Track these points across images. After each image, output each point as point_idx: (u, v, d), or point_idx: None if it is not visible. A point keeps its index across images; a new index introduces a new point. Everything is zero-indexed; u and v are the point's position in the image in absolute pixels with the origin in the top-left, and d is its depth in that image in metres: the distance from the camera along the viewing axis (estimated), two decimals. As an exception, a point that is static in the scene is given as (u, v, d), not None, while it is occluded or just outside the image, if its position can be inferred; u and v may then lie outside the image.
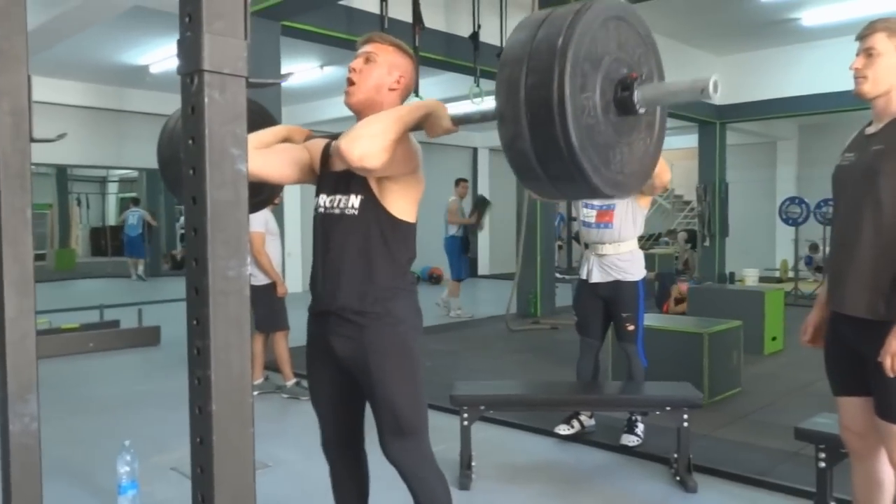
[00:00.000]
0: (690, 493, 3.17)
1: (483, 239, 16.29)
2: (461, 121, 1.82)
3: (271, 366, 5.25)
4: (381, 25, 6.12)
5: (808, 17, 9.11)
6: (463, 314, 8.72)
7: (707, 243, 11.57)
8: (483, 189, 16.48)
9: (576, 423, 3.92)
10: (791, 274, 12.26)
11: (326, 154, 2.08)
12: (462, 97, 7.77)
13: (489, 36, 7.33)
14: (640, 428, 3.80)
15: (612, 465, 3.60)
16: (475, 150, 16.39)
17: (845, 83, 8.96)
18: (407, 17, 6.44)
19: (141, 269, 14.63)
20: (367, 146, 1.70)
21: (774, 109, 10.98)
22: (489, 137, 15.91)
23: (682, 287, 10.57)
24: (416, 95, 6.52)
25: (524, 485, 3.35)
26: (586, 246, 3.90)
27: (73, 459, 3.73)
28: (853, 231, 2.08)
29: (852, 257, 2.08)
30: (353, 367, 1.99)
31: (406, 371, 1.95)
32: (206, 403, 1.13)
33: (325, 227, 1.99)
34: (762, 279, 11.96)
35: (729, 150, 12.12)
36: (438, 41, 7.03)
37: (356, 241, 1.93)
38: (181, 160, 1.14)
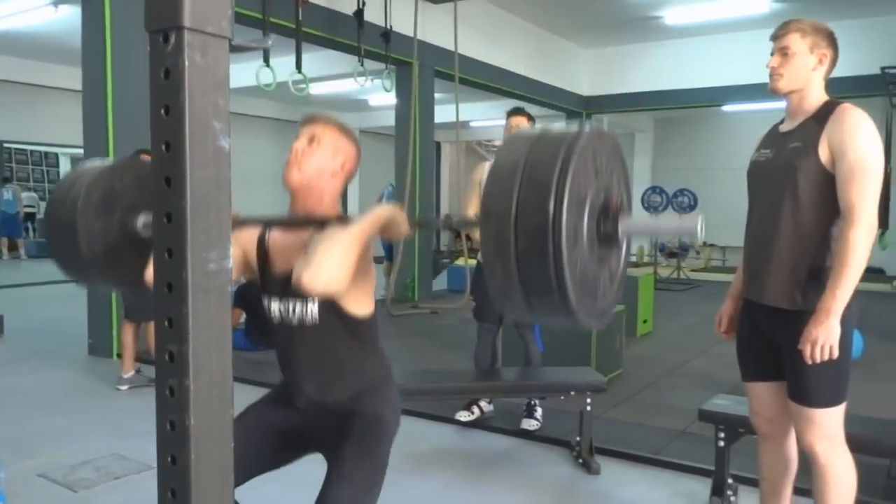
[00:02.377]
0: (594, 474, 3.25)
1: (352, 222, 16.05)
2: (420, 225, 1.76)
3: (144, 357, 4.88)
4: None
5: (670, 16, 9.64)
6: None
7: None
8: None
9: (476, 409, 3.93)
10: (648, 259, 13.04)
11: (262, 247, 1.86)
12: (345, 75, 7.58)
13: (373, 15, 7.17)
14: (538, 412, 3.86)
15: (515, 450, 3.63)
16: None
17: (699, 80, 9.62)
18: (290, -11, 6.15)
19: (21, 250, 13.63)
20: (330, 276, 1.54)
21: (636, 103, 11.58)
22: (363, 118, 15.66)
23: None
24: (299, 72, 6.26)
25: (431, 475, 3.30)
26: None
27: (-82, 470, 3.26)
28: (772, 225, 2.17)
29: (771, 251, 2.17)
30: (322, 438, 1.84)
31: (370, 478, 1.76)
32: (181, 417, 0.97)
33: (286, 337, 1.83)
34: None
35: (592, 141, 12.64)
36: (321, 17, 6.77)
37: (324, 348, 1.80)
38: (151, 134, 0.97)
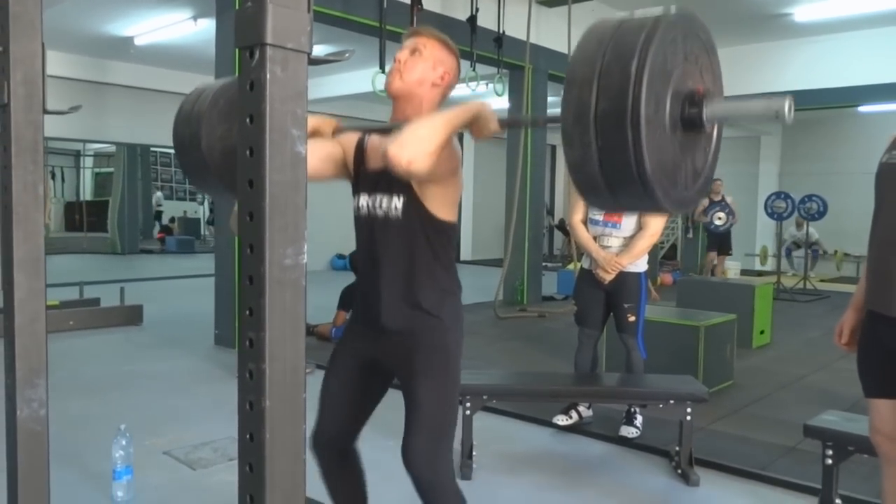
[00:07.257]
0: (693, 486, 3.17)
1: (465, 224, 16.25)
2: (509, 124, 1.77)
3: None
4: (380, 4, 6.02)
5: (801, 13, 9.12)
6: None
7: (690, 235, 11.63)
8: (468, 174, 16.41)
9: (574, 414, 3.91)
10: (771, 262, 12.40)
11: (360, 149, 2.00)
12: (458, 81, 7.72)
13: (486, 20, 7.26)
14: (638, 420, 3.79)
15: (611, 457, 3.59)
16: (461, 133, 16.26)
17: (835, 79, 9.00)
18: (405, -3, 6.34)
19: None
20: (414, 150, 1.63)
21: (763, 104, 11.00)
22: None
23: (665, 278, 10.64)
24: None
25: (524, 475, 3.33)
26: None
27: (63, 443, 3.62)
28: None
29: None
30: (394, 366, 1.97)
31: (449, 378, 1.92)
32: (258, 399, 1.07)
33: (369, 230, 1.96)
34: (743, 272, 12.08)
35: (715, 144, 12.17)
36: (434, 23, 6.92)
37: (402, 243, 1.91)
38: (235, 140, 1.07)
